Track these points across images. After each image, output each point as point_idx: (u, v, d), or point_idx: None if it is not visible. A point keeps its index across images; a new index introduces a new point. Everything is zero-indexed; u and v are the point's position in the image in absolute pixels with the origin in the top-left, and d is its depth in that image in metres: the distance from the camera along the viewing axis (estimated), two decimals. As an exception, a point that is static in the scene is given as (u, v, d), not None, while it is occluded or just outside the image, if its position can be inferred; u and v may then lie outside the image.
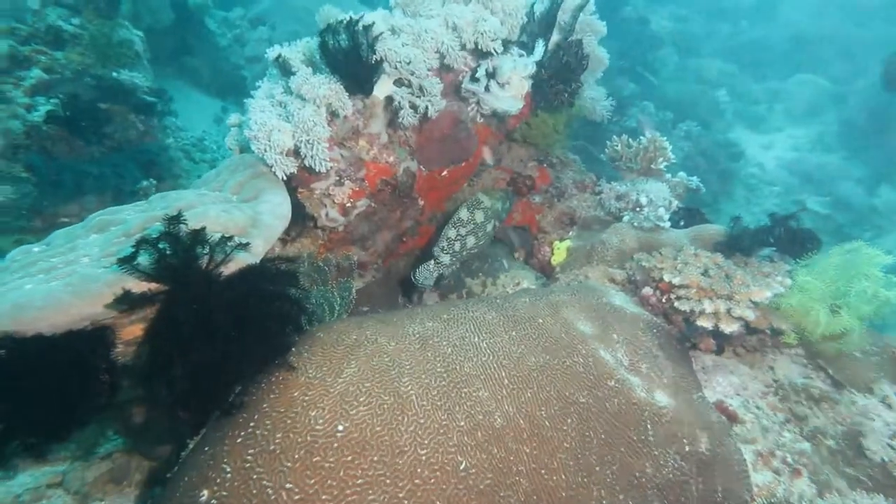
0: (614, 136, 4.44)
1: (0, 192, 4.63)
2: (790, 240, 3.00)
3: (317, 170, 2.44)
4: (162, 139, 6.48)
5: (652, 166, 4.10)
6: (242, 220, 1.95)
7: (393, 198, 2.97)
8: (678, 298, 2.61)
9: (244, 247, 1.74)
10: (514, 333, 2.33)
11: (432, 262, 3.03)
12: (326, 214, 2.69)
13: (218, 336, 1.61)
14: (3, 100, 5.15)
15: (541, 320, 2.45)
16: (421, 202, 3.34)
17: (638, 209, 3.39)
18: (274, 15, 10.56)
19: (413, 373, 2.00)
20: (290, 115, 2.39)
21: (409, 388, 1.94)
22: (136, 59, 6.59)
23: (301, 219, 2.75)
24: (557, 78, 2.94)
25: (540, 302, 2.61)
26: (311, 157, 2.39)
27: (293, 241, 2.83)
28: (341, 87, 2.46)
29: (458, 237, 3.08)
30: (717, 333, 2.59)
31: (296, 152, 2.47)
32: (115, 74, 5.97)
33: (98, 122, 4.80)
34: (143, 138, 6.14)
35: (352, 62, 2.38)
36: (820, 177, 10.93)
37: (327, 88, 2.39)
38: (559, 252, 3.53)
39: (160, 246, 1.53)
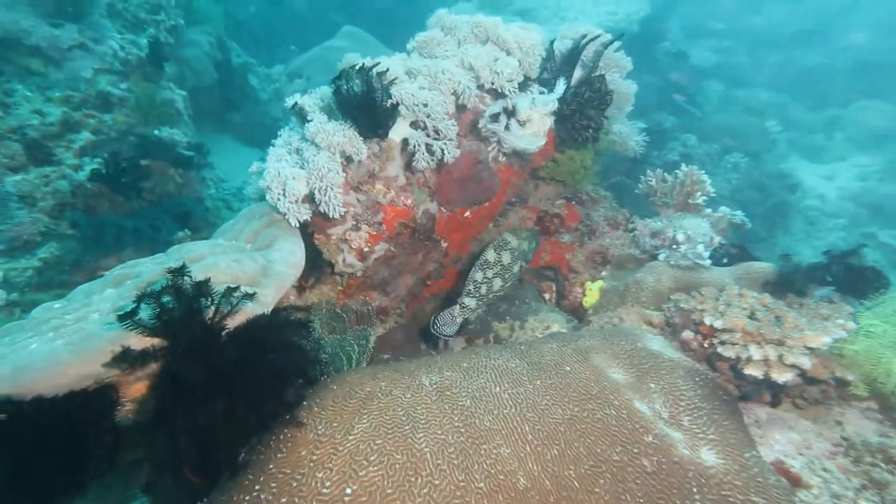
0: (648, 171, 4.34)
1: (46, 249, 4.94)
2: (852, 278, 2.78)
3: (331, 216, 2.47)
4: (200, 191, 6.85)
5: (689, 201, 3.95)
6: (253, 269, 1.97)
7: (413, 241, 2.97)
8: (722, 343, 2.43)
9: (250, 297, 1.75)
10: (538, 383, 2.21)
11: (457, 307, 2.97)
12: (344, 260, 2.70)
13: (222, 392, 1.59)
14: (54, 162, 5.60)
15: (568, 368, 2.33)
16: (444, 244, 3.33)
17: (674, 246, 3.24)
18: (310, 67, 11.20)
19: (428, 427, 1.92)
20: (306, 161, 2.46)
21: (424, 444, 1.85)
22: (178, 117, 7.07)
23: (319, 265, 2.77)
24: (581, 114, 2.92)
25: (567, 348, 2.49)
26: (326, 203, 2.42)
27: (312, 288, 2.85)
28: (355, 132, 2.51)
29: (485, 280, 3.01)
30: (769, 383, 2.38)
31: (311, 198, 2.52)
32: (156, 132, 6.41)
33: (137, 177, 5.12)
34: (182, 191, 6.51)
35: (366, 107, 2.44)
36: (892, 208, 10.26)
37: (342, 135, 2.45)
38: (591, 293, 3.40)
39: (164, 300, 1.55)
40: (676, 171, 4.20)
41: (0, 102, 5.60)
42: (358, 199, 2.65)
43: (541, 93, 2.90)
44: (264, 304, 1.90)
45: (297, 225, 2.50)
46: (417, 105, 2.48)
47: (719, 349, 2.42)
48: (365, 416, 1.89)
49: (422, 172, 2.83)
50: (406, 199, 2.76)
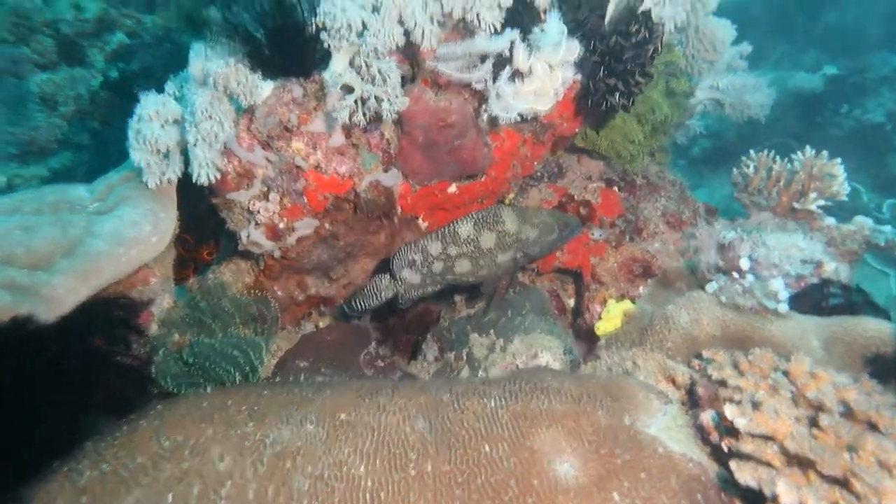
0: (751, 151, 3.33)
1: (59, 159, 5.02)
2: None
3: (197, 180, 1.97)
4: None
5: (797, 205, 2.92)
6: (49, 243, 1.56)
7: (359, 219, 2.40)
8: (739, 458, 1.66)
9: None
10: (429, 468, 1.63)
11: (386, 276, 2.46)
12: (248, 236, 2.22)
13: None
14: (87, 64, 5.60)
15: (488, 448, 1.71)
16: (424, 223, 2.73)
17: (735, 274, 2.35)
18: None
19: (227, 519, 1.44)
20: (184, 99, 1.96)
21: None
22: (226, 24, 6.79)
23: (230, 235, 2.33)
24: (607, 70, 2.07)
25: (507, 410, 1.85)
26: (194, 160, 1.92)
27: (228, 263, 2.43)
28: (244, 64, 1.94)
29: (443, 256, 2.44)
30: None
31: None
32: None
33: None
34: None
35: (276, 29, 1.84)
36: None
37: (223, 64, 1.89)
38: (610, 317, 2.64)
39: None
40: (792, 155, 3.17)
41: (43, -8, 5.61)
42: (268, 159, 2.11)
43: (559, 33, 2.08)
44: (47, 298, 1.49)
45: (157, 185, 2.03)
46: (340, 29, 1.81)
47: (732, 466, 1.65)
48: (138, 491, 1.44)
49: (377, 130, 2.21)
50: (340, 166, 2.16)
